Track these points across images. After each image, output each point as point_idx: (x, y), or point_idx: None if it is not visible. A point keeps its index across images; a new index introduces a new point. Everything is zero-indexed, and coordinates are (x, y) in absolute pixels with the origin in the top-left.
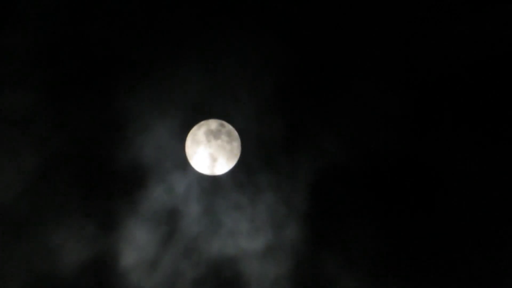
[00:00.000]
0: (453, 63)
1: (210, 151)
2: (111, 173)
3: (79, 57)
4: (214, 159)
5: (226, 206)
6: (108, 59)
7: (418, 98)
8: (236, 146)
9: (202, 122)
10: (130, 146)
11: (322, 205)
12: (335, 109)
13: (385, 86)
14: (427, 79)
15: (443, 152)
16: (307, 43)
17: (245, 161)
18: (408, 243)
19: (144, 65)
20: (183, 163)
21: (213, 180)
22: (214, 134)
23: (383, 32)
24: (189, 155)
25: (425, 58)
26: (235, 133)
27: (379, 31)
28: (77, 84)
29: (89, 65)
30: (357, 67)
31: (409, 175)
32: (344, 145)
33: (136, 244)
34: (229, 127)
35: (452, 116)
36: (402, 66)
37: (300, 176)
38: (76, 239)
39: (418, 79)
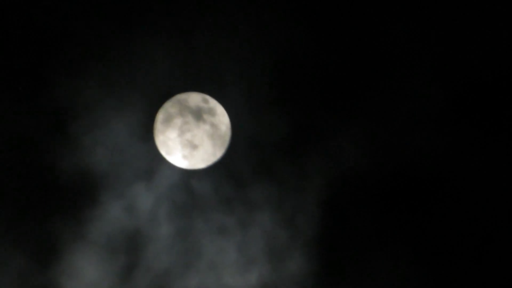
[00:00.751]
0: (492, 64)
1: (188, 136)
2: (50, 185)
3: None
4: (193, 147)
5: (208, 229)
6: (44, 32)
7: (459, 97)
8: (224, 130)
9: (178, 96)
10: (76, 148)
11: (337, 227)
12: (354, 104)
13: (418, 78)
14: (469, 77)
15: (485, 158)
16: (322, 17)
17: (234, 168)
18: (450, 274)
19: (92, 38)
20: (149, 170)
21: (191, 192)
22: (193, 112)
23: (422, 16)
24: (160, 141)
25: (465, 56)
26: (222, 111)
27: (418, 13)
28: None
29: (17, 40)
30: (384, 53)
31: (448, 187)
32: (365, 149)
33: (84, 280)
34: (213, 102)
35: (493, 119)
36: (443, 60)
37: (309, 188)
38: (2, 274)
39: (460, 75)
